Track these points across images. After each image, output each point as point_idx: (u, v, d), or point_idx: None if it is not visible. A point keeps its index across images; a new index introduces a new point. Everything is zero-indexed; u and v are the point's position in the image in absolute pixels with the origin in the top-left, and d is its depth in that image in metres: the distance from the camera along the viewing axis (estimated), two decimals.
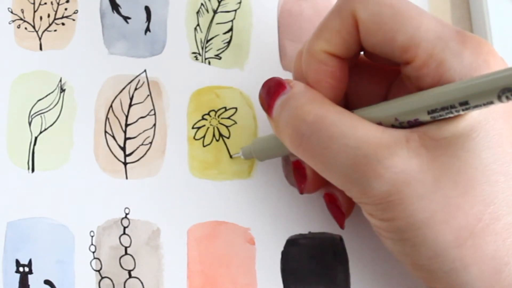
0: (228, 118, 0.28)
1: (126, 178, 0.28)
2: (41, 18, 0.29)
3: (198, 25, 0.30)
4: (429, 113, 0.19)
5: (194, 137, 0.28)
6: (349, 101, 0.24)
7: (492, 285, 0.19)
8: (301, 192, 0.25)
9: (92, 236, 0.27)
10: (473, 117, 0.19)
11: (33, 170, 0.28)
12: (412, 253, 0.20)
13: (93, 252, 0.27)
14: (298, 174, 0.25)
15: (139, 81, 0.29)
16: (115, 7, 0.30)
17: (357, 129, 0.19)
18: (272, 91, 0.22)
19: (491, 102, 0.17)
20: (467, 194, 0.19)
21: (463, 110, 0.18)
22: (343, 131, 0.19)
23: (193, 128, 0.28)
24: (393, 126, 0.20)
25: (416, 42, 0.19)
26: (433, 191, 0.19)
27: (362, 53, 0.23)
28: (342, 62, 0.22)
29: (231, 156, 0.28)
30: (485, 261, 0.19)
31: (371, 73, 0.24)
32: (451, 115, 0.18)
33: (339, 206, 0.24)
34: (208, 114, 0.28)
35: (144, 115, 0.28)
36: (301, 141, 0.21)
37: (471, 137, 0.19)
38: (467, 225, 0.19)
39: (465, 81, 0.17)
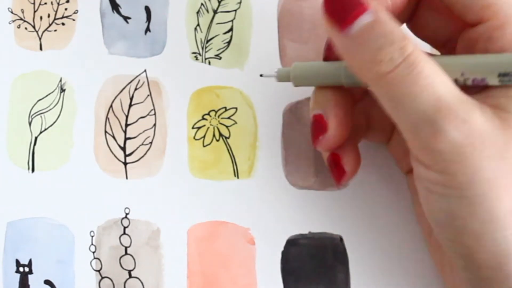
0: (228, 118, 0.28)
1: (126, 178, 0.28)
2: (41, 18, 0.29)
3: (198, 25, 0.30)
4: (499, 75, 0.18)
5: (194, 137, 0.28)
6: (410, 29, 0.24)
7: None
8: (316, 146, 0.24)
9: (92, 236, 0.27)
10: None
11: (33, 170, 0.28)
12: (468, 214, 0.19)
13: (93, 252, 0.27)
14: (318, 127, 0.24)
15: (139, 81, 0.29)
16: (115, 7, 0.30)
17: (444, 78, 0.19)
18: (350, 5, 0.20)
19: None
20: None
21: None
22: (433, 74, 0.19)
23: (193, 128, 0.28)
24: (455, 81, 0.20)
25: (500, 2, 0.19)
26: (502, 156, 0.19)
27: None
28: None
29: (261, 75, 0.26)
30: None
31: (442, 13, 0.23)
32: None
33: (342, 164, 0.24)
34: (208, 114, 0.28)
35: (144, 115, 0.28)
36: (393, 68, 0.19)
37: None
38: None
39: None
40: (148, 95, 0.29)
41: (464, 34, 0.21)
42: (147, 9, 0.30)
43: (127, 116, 0.28)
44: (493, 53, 0.19)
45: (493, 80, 0.19)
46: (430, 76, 0.19)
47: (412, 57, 0.19)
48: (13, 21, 0.29)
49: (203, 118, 0.28)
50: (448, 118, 0.19)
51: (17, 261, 0.26)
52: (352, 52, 0.21)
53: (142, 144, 0.28)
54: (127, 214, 0.27)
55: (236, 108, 0.28)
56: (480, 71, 0.19)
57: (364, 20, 0.20)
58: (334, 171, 0.24)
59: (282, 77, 0.25)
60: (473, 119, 0.19)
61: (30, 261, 0.26)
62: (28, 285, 0.26)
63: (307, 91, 0.27)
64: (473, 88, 0.20)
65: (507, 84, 0.19)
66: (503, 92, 0.20)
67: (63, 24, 0.29)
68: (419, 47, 0.20)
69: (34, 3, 0.30)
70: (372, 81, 0.20)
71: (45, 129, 0.28)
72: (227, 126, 0.28)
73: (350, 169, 0.24)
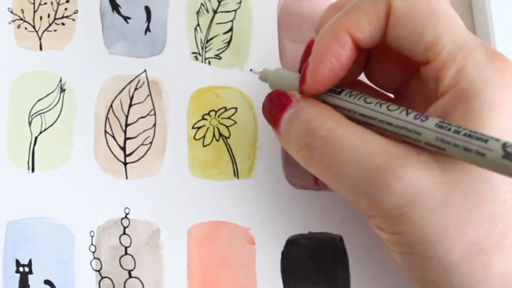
0: (228, 118, 0.28)
1: (126, 178, 0.28)
2: (41, 18, 0.29)
3: (198, 25, 0.30)
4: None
5: (194, 137, 0.28)
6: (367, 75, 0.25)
7: None
8: (318, 183, 0.25)
9: (92, 236, 0.27)
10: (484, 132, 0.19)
11: (33, 170, 0.28)
12: (421, 268, 0.20)
13: (93, 252, 0.27)
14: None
15: (139, 81, 0.29)
16: (115, 7, 0.30)
17: (368, 142, 0.19)
18: (278, 105, 0.22)
19: None
20: (476, 210, 0.19)
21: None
22: (354, 143, 0.19)
23: (193, 128, 0.28)
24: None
25: (441, 43, 0.19)
26: (444, 206, 0.18)
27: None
28: (354, 52, 0.21)
29: (251, 70, 0.26)
30: (494, 278, 0.19)
31: (394, 60, 0.24)
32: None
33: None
34: (208, 114, 0.28)
35: (144, 115, 0.28)
36: (312, 153, 0.21)
37: None
38: (477, 241, 0.18)
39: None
40: (148, 95, 0.29)
41: (418, 75, 0.21)
42: (147, 9, 0.30)
43: (127, 116, 0.28)
44: (440, 92, 0.19)
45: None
46: (352, 148, 0.19)
47: (328, 138, 0.20)
48: (13, 21, 0.29)
49: (203, 118, 0.28)
50: (378, 184, 0.19)
51: (17, 261, 0.26)
52: (285, 146, 0.23)
53: (142, 144, 0.28)
54: (127, 214, 0.27)
55: (236, 108, 0.28)
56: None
57: (288, 113, 0.22)
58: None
59: (263, 78, 0.25)
60: (406, 174, 0.18)
61: (30, 261, 0.26)
62: (28, 285, 0.26)
63: None
64: None
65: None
66: None
67: (63, 24, 0.29)
68: (340, 121, 0.20)
69: (34, 3, 0.30)
70: (305, 167, 0.22)
71: (45, 129, 0.28)
72: (227, 126, 0.28)
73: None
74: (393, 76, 0.24)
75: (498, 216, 0.19)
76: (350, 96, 0.21)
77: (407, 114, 0.19)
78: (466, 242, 0.18)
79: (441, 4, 0.20)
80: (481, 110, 0.19)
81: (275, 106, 0.22)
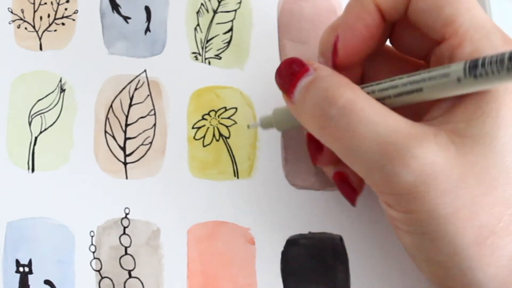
0: (228, 118, 0.28)
1: (126, 178, 0.28)
2: (41, 18, 0.29)
3: (198, 25, 0.30)
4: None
5: (194, 137, 0.28)
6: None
7: (507, 287, 0.19)
8: (315, 163, 0.25)
9: (92, 236, 0.27)
10: (501, 115, 0.19)
11: (33, 170, 0.28)
12: (430, 248, 0.20)
13: (93, 252, 0.27)
14: (313, 146, 0.24)
15: (139, 81, 0.29)
16: (115, 7, 0.30)
17: (387, 118, 0.19)
18: (294, 71, 0.22)
19: None
20: (489, 193, 0.19)
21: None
22: (373, 118, 0.19)
23: (193, 128, 0.28)
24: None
25: (459, 21, 0.19)
26: (459, 187, 0.18)
27: (388, 43, 0.23)
28: (382, 22, 0.21)
29: (248, 127, 0.27)
30: (502, 262, 0.19)
31: (395, 63, 0.24)
32: None
33: (350, 182, 0.24)
34: (208, 114, 0.28)
35: (144, 115, 0.28)
36: (329, 123, 0.20)
37: (497, 138, 0.19)
38: (488, 224, 0.18)
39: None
40: (148, 95, 0.29)
41: (435, 51, 0.22)
42: (147, 9, 0.30)
43: (127, 116, 0.28)
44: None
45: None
46: (371, 122, 0.19)
47: (346, 109, 0.20)
48: (13, 21, 0.29)
49: (203, 118, 0.28)
50: (396, 161, 0.19)
51: (17, 261, 0.26)
52: (296, 114, 0.22)
53: (142, 144, 0.28)
54: (127, 214, 0.27)
55: (236, 108, 0.28)
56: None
57: (304, 81, 0.21)
58: (344, 191, 0.25)
59: (265, 124, 0.26)
60: (424, 154, 0.18)
61: (30, 261, 0.26)
62: (28, 285, 0.26)
63: None
64: (438, 110, 0.20)
65: (468, 107, 0.19)
66: (462, 116, 0.19)
67: (63, 24, 0.29)
68: (360, 93, 0.20)
69: (34, 3, 0.30)
70: (318, 136, 0.21)
71: (45, 129, 0.28)
72: (227, 126, 0.28)
73: (358, 184, 0.24)
74: (417, 47, 0.24)
75: (510, 200, 0.19)
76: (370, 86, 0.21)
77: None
78: (478, 224, 0.18)
79: None
80: (496, 92, 0.19)
81: (290, 72, 0.22)
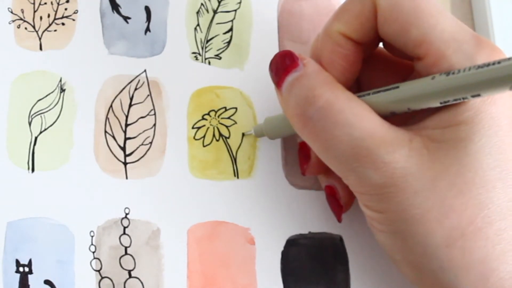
0: (228, 118, 0.28)
1: (126, 178, 0.28)
2: (41, 18, 0.29)
3: (198, 25, 0.30)
4: (441, 103, 0.19)
5: (194, 137, 0.28)
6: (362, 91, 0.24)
7: None
8: (303, 173, 0.25)
9: (92, 236, 0.27)
10: (476, 122, 0.19)
11: (33, 170, 0.28)
12: (402, 248, 0.20)
13: (93, 252, 0.27)
14: (303, 155, 0.25)
15: (139, 81, 0.29)
16: (115, 7, 0.30)
17: (364, 120, 0.20)
18: (284, 65, 0.22)
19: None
20: (462, 196, 0.19)
21: (472, 97, 0.18)
22: (350, 120, 0.20)
23: (193, 128, 0.28)
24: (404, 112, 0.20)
25: (429, 40, 0.19)
26: (429, 189, 0.19)
27: (381, 45, 0.23)
28: (357, 46, 0.22)
29: (243, 135, 0.28)
30: (473, 265, 0.19)
31: (388, 65, 0.24)
32: (460, 101, 0.19)
33: (338, 199, 0.25)
34: (208, 114, 0.28)
35: (144, 115, 0.28)
36: (308, 123, 0.21)
37: (472, 141, 0.19)
38: (459, 226, 0.19)
39: (476, 73, 0.17)
40: (148, 95, 0.29)
41: (415, 66, 0.22)
42: (147, 9, 0.30)
43: (127, 116, 0.28)
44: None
45: (436, 105, 0.19)
46: (347, 125, 0.20)
47: (324, 110, 0.20)
48: (13, 21, 0.29)
49: (203, 118, 0.28)
50: (368, 164, 0.19)
51: (17, 261, 0.26)
52: (283, 107, 0.22)
53: (142, 144, 0.28)
54: (127, 214, 0.27)
55: (236, 108, 0.28)
56: (423, 104, 0.19)
57: (292, 76, 0.21)
58: (332, 206, 0.25)
59: (258, 133, 0.27)
60: (395, 159, 0.19)
61: (30, 261, 0.26)
62: (28, 285, 0.26)
63: None
64: (418, 116, 0.21)
65: (445, 115, 0.19)
66: (439, 123, 0.20)
67: (63, 24, 0.29)
68: (341, 93, 0.20)
69: (34, 3, 0.30)
70: (299, 133, 0.22)
71: (45, 129, 0.28)
72: (227, 126, 0.28)
73: (346, 201, 0.25)
74: (394, 77, 0.24)
75: (485, 202, 0.19)
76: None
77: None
78: (448, 226, 0.19)
79: (426, 0, 0.20)
80: (474, 102, 0.19)
81: (281, 66, 0.22)
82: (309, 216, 0.27)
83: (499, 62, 0.16)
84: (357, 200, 0.22)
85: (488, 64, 0.17)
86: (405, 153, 0.19)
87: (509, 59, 0.16)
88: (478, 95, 0.18)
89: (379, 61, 0.24)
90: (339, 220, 0.25)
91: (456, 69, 0.18)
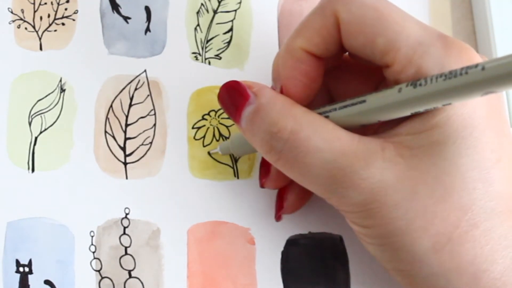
0: (228, 118, 0.28)
1: (126, 178, 0.28)
2: (41, 18, 0.29)
3: (198, 25, 0.30)
4: (411, 113, 0.19)
5: (194, 137, 0.28)
6: (334, 99, 0.24)
7: None
8: (262, 186, 0.25)
9: (92, 236, 0.27)
10: (449, 125, 0.19)
11: (33, 170, 0.28)
12: (393, 258, 0.20)
13: (93, 252, 0.27)
14: (263, 170, 0.25)
15: (139, 81, 0.29)
16: (115, 7, 0.30)
17: (333, 141, 0.19)
18: (234, 101, 0.22)
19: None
20: (444, 201, 0.19)
21: (443, 105, 0.18)
22: (319, 145, 0.19)
23: (193, 128, 0.28)
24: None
25: (396, 47, 0.19)
26: (410, 199, 0.19)
27: (347, 53, 0.23)
28: (319, 62, 0.21)
29: (209, 153, 0.28)
30: (463, 268, 0.19)
31: (359, 73, 0.24)
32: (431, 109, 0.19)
33: (283, 200, 0.26)
34: (208, 114, 0.28)
35: (144, 115, 0.28)
36: (279, 156, 0.21)
37: (447, 145, 0.19)
38: (445, 232, 0.19)
39: (446, 83, 0.17)
40: (148, 95, 0.29)
41: (384, 73, 0.21)
42: (147, 9, 0.30)
43: (127, 116, 0.28)
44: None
45: (407, 114, 0.19)
46: (317, 150, 0.19)
47: (292, 142, 0.20)
48: (13, 21, 0.29)
49: (203, 118, 0.28)
50: (345, 184, 0.19)
51: (17, 261, 0.26)
52: (249, 141, 0.22)
53: (142, 144, 0.28)
54: (127, 214, 0.27)
55: None
56: (393, 115, 0.19)
57: (247, 111, 0.21)
58: (276, 204, 0.26)
59: (224, 150, 0.27)
60: (371, 174, 0.19)
61: (30, 261, 0.26)
62: (28, 285, 0.26)
63: None
64: (388, 123, 0.20)
65: (416, 121, 0.19)
66: (410, 129, 0.19)
67: (63, 24, 0.29)
68: (303, 119, 0.20)
69: (34, 3, 0.30)
70: (276, 166, 0.22)
71: (45, 129, 0.28)
72: (227, 126, 0.28)
73: (289, 205, 0.26)
74: (366, 83, 0.24)
75: (467, 205, 0.19)
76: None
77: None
78: (434, 233, 0.19)
79: (389, 7, 0.19)
80: (443, 108, 0.19)
81: (231, 102, 0.22)
82: (309, 216, 0.27)
83: (466, 72, 0.16)
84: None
85: (456, 74, 0.16)
86: (379, 165, 0.19)
87: (476, 65, 0.16)
88: (449, 104, 0.17)
89: (349, 70, 0.24)
90: (277, 219, 0.26)
91: (423, 80, 0.18)
